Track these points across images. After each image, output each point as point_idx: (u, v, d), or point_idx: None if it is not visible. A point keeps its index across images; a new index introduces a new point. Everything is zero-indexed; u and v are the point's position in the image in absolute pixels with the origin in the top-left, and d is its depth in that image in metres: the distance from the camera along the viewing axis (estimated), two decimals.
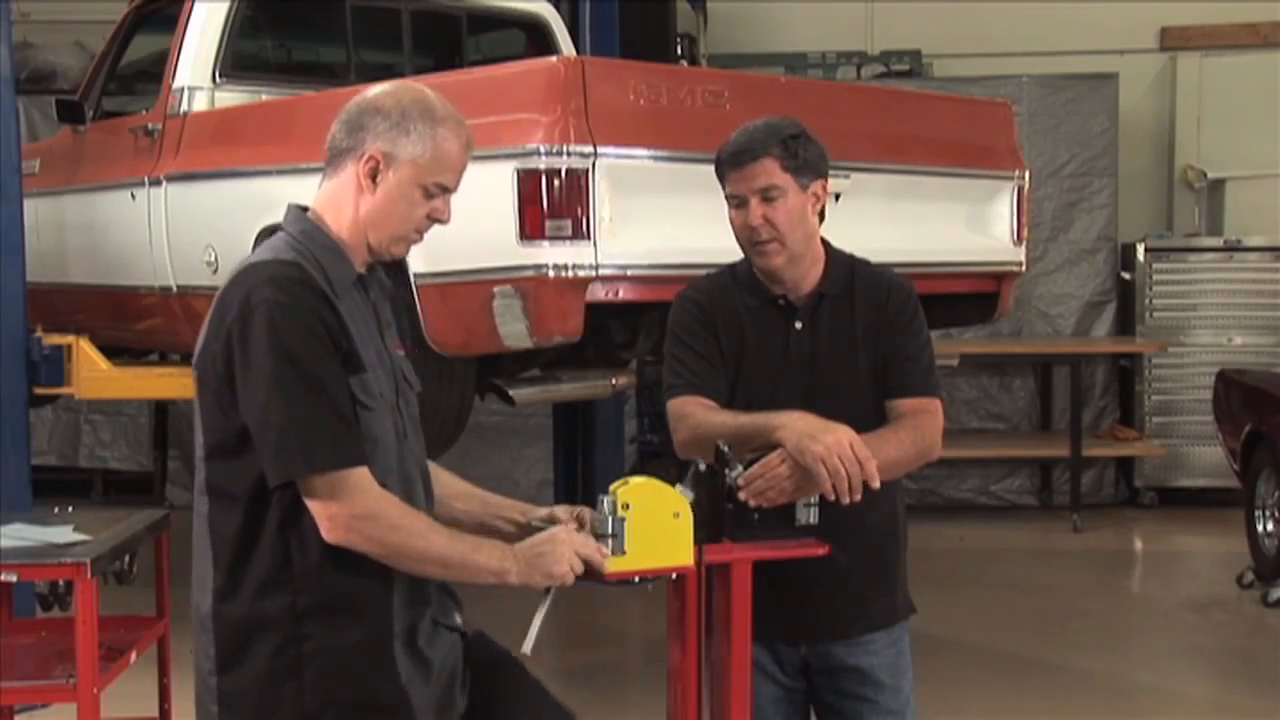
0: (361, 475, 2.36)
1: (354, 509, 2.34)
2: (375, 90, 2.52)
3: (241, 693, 2.44)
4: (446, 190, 2.51)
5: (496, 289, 4.35)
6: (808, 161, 2.93)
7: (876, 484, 2.71)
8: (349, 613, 2.42)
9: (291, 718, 2.41)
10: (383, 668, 2.45)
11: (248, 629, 2.42)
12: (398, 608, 2.46)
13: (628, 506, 2.55)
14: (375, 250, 2.52)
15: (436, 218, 2.52)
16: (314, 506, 2.35)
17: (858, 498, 2.71)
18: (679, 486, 2.65)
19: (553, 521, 2.62)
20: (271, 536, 2.40)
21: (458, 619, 2.62)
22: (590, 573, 2.50)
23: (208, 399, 2.43)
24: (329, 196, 2.52)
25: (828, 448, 2.68)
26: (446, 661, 2.58)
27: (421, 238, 2.55)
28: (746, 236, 2.95)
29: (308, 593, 2.40)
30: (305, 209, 2.54)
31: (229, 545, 2.43)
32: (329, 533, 2.35)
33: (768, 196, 2.90)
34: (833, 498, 2.71)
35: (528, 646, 2.52)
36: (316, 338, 2.36)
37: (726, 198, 2.97)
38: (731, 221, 2.97)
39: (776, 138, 2.91)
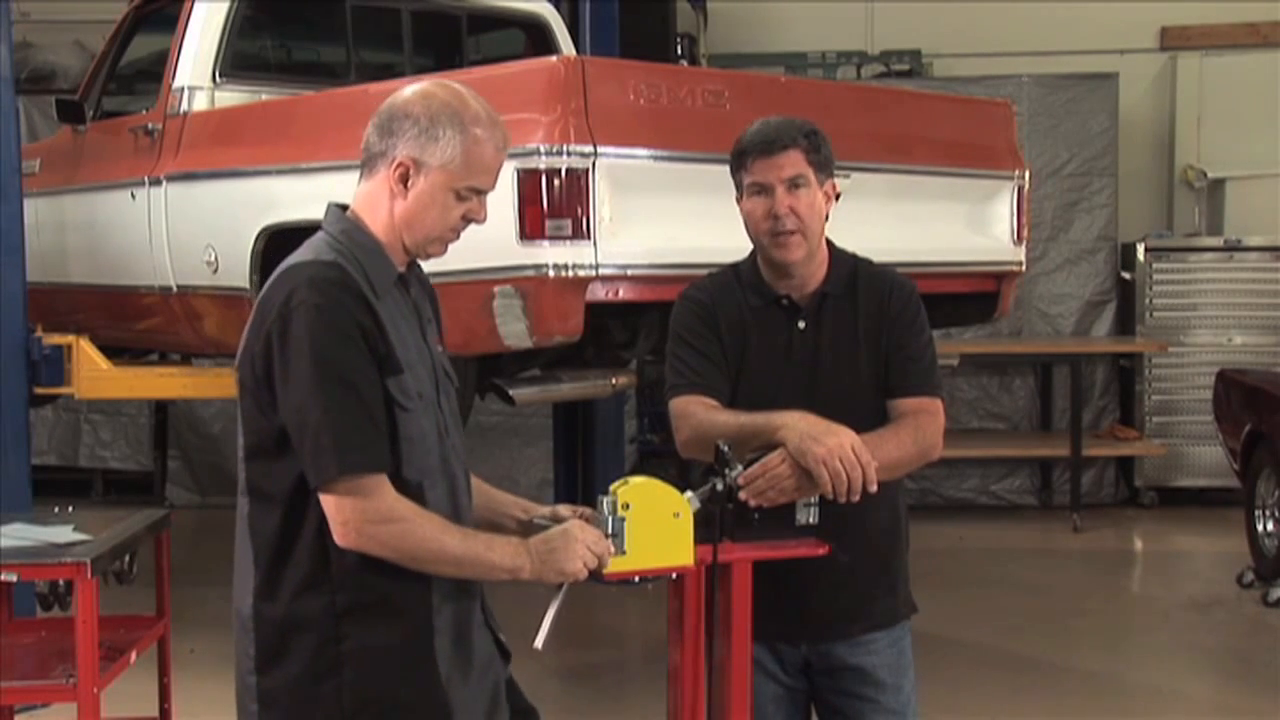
0: (379, 481, 2.37)
1: (366, 514, 2.35)
2: (407, 92, 2.50)
3: (281, 692, 2.44)
4: (480, 192, 2.51)
5: (496, 289, 4.35)
6: (826, 158, 2.95)
7: (875, 488, 2.71)
8: (387, 612, 2.43)
9: (330, 717, 2.42)
10: (421, 667, 2.45)
11: (287, 629, 2.43)
12: (439, 605, 2.46)
13: (628, 506, 2.55)
14: (411, 250, 2.53)
15: (472, 218, 2.53)
16: (328, 510, 2.36)
17: (856, 499, 2.71)
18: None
19: (556, 519, 2.61)
20: (310, 537, 2.41)
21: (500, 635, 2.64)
22: (592, 572, 2.50)
23: (248, 400, 2.44)
24: (365, 197, 2.52)
25: (829, 450, 2.69)
26: (489, 667, 2.58)
27: (458, 236, 2.55)
28: (768, 227, 2.92)
29: (346, 592, 2.40)
30: (345, 207, 2.54)
31: (268, 545, 2.44)
32: (341, 538, 2.36)
33: (795, 185, 2.90)
34: (832, 498, 2.71)
35: (539, 641, 2.52)
36: (352, 341, 2.36)
37: (745, 186, 2.94)
38: (750, 212, 2.94)
39: (801, 131, 2.92)
